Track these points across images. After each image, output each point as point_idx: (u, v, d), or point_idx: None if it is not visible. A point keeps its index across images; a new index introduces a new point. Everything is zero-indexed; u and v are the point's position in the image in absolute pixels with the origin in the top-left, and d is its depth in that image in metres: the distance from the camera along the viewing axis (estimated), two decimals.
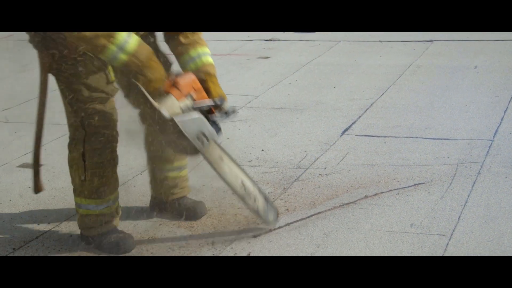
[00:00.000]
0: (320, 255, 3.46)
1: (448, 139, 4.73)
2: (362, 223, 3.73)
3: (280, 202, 4.01)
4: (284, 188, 4.19)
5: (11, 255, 3.63)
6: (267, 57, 7.13)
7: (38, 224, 3.93)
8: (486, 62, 6.39)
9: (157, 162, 3.86)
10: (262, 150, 4.78)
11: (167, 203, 3.92)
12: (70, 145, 3.60)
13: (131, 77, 3.35)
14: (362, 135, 4.91)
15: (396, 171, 4.30)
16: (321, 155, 4.63)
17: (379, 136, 4.87)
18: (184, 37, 3.54)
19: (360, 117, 5.27)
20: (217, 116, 3.47)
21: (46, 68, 3.50)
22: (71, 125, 3.57)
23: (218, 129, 3.47)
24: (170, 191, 3.91)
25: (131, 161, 4.54)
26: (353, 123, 5.15)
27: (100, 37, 3.24)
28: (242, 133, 4.47)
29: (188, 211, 3.88)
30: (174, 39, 3.56)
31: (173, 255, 3.55)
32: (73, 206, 4.09)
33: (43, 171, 4.59)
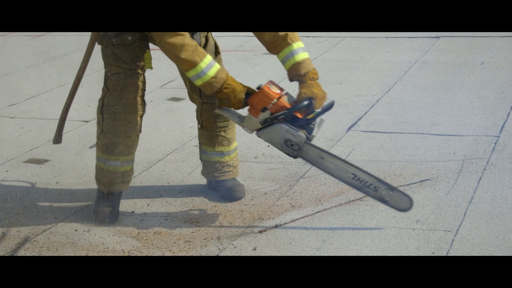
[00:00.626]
0: (326, 250, 3.47)
1: (454, 135, 4.72)
2: (367, 220, 3.73)
3: (286, 199, 4.01)
4: (290, 185, 4.19)
5: (17, 249, 3.64)
6: None
7: (45, 219, 3.94)
8: (493, 58, 6.38)
9: (204, 144, 4.10)
10: (268, 146, 4.78)
11: (212, 182, 4.16)
12: (99, 100, 3.87)
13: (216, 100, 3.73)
14: (368, 131, 4.91)
15: (402, 167, 4.30)
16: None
17: (385, 132, 4.87)
18: (269, 34, 3.65)
19: (366, 113, 5.27)
20: (306, 118, 3.57)
21: (92, 42, 3.85)
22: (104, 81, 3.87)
23: (309, 131, 3.59)
24: (212, 173, 4.11)
25: (138, 157, 4.56)
26: (359, 119, 5.15)
27: (195, 55, 3.47)
28: None
29: (226, 192, 4.07)
30: (262, 39, 3.68)
31: (178, 249, 3.56)
32: (80, 201, 4.13)
33: (49, 167, 4.62)
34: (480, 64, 6.23)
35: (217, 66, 3.53)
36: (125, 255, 3.54)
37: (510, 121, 4.90)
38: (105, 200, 3.90)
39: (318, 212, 3.84)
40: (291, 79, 3.68)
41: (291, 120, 3.55)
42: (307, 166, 4.39)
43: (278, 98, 3.55)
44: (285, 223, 3.74)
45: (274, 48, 3.67)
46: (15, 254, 3.61)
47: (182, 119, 5.33)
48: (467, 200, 3.85)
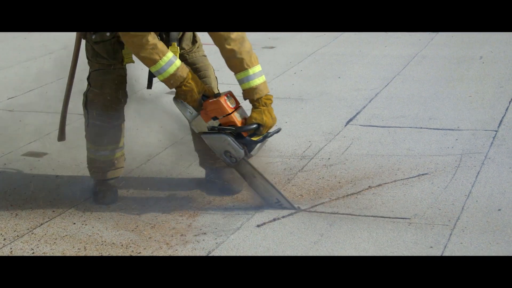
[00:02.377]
0: (324, 244, 3.47)
1: (452, 130, 4.72)
2: (365, 213, 3.73)
3: (284, 193, 4.01)
4: (288, 179, 4.19)
5: (15, 242, 3.65)
6: (272, 47, 7.13)
7: (43, 212, 3.95)
8: (492, 52, 6.38)
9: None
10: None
11: (211, 170, 4.17)
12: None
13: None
14: (367, 125, 4.91)
15: (400, 162, 4.30)
16: (325, 145, 4.63)
17: (383, 127, 4.87)
18: (228, 53, 3.72)
19: (364, 107, 5.27)
20: (250, 138, 3.74)
21: (78, 39, 4.04)
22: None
23: (250, 149, 3.76)
24: (207, 161, 4.14)
25: (136, 151, 4.56)
26: (357, 113, 5.15)
27: (154, 53, 3.62)
28: None
29: (224, 185, 4.06)
30: (222, 48, 3.74)
31: (175, 242, 3.56)
32: (78, 193, 4.13)
33: (47, 161, 4.62)
34: (479, 59, 6.23)
35: (177, 64, 3.67)
36: (122, 248, 3.54)
37: (509, 115, 4.90)
38: (101, 185, 4.07)
39: (316, 205, 3.84)
40: (245, 99, 3.81)
41: (236, 136, 3.74)
42: (305, 160, 4.39)
43: (230, 113, 3.73)
44: (283, 217, 3.74)
45: (231, 67, 3.77)
46: (14, 247, 3.61)
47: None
48: (465, 194, 3.85)
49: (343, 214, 3.74)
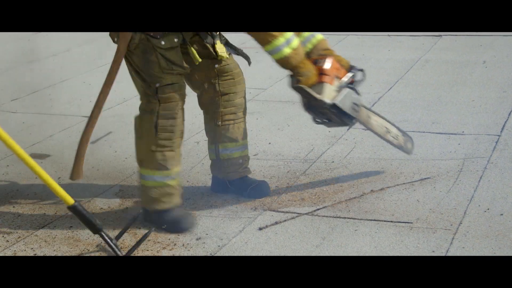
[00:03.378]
0: (326, 247, 3.47)
1: (455, 134, 4.72)
2: (367, 217, 3.73)
3: (286, 196, 4.02)
4: (291, 182, 4.19)
5: (18, 244, 3.65)
6: None
7: (45, 214, 3.95)
8: (495, 57, 6.38)
9: (222, 142, 3.94)
10: (269, 143, 4.79)
11: (230, 182, 4.00)
12: (140, 116, 3.66)
13: (290, 75, 3.72)
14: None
15: (402, 166, 4.30)
16: (328, 149, 4.63)
17: None
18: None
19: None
20: (355, 82, 3.84)
21: (126, 43, 3.54)
22: (144, 97, 3.64)
23: (358, 93, 3.83)
24: (235, 170, 3.98)
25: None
26: None
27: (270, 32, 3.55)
28: (249, 126, 4.45)
29: (253, 189, 3.98)
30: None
31: (177, 245, 3.56)
32: (81, 196, 4.12)
33: (50, 163, 4.62)
34: (482, 63, 6.23)
35: (296, 38, 3.65)
36: (124, 249, 3.54)
37: None
38: (177, 211, 3.73)
39: (318, 209, 3.84)
40: (318, 53, 3.81)
41: (349, 85, 3.79)
42: (308, 164, 4.39)
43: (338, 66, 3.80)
44: (285, 220, 3.74)
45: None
46: (16, 248, 3.62)
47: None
48: (467, 199, 3.85)
49: (345, 218, 3.75)
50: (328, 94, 3.70)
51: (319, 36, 3.85)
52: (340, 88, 3.74)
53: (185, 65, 3.62)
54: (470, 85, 5.69)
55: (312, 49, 3.81)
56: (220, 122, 3.93)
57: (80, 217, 3.34)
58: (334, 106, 3.70)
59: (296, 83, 3.69)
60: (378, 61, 6.54)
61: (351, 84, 3.81)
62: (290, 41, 3.61)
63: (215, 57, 3.79)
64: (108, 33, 3.66)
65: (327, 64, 3.72)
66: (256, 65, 6.63)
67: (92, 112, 3.69)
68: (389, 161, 4.38)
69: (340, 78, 3.77)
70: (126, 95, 3.70)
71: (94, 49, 7.44)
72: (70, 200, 3.29)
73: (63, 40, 7.82)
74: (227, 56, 3.84)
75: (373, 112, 4.06)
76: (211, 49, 3.77)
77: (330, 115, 3.78)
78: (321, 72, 3.71)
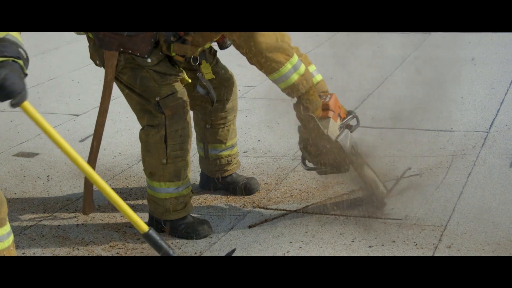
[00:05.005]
0: (315, 244, 3.47)
1: (444, 131, 4.73)
2: (356, 214, 3.73)
3: (275, 193, 4.02)
4: (280, 179, 4.19)
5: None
6: None
7: (34, 212, 3.94)
8: (483, 54, 6.39)
9: (212, 142, 3.95)
10: (259, 140, 4.79)
11: (219, 179, 4.01)
12: (146, 131, 3.54)
13: (294, 102, 3.57)
14: (359, 126, 4.90)
15: (391, 162, 4.30)
16: None
17: (375, 128, 4.87)
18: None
19: (356, 108, 5.26)
20: (352, 127, 3.74)
21: (113, 68, 3.46)
22: (144, 113, 3.53)
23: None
24: (223, 168, 3.99)
25: (136, 154, 4.55)
26: None
27: (279, 53, 3.38)
28: (238, 124, 4.46)
29: (243, 186, 4.00)
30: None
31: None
32: (69, 195, 4.11)
33: (38, 161, 4.60)
34: (471, 60, 6.24)
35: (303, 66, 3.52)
36: (114, 248, 3.53)
37: (500, 116, 4.91)
38: (193, 218, 3.68)
39: (307, 206, 3.84)
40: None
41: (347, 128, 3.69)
42: (297, 161, 4.39)
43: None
44: (274, 218, 3.74)
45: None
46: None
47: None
48: (456, 195, 3.86)
49: (334, 214, 3.75)
50: (334, 131, 3.53)
51: (318, 77, 3.74)
52: (341, 128, 3.61)
53: (178, 69, 3.52)
54: (459, 82, 5.70)
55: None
56: (209, 126, 3.93)
57: (153, 243, 3.11)
58: (337, 144, 3.52)
59: (304, 111, 3.50)
60: (367, 58, 6.55)
61: (347, 128, 3.68)
62: (297, 67, 3.46)
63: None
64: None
65: (332, 101, 3.60)
66: (246, 62, 6.63)
67: (92, 145, 3.58)
68: (378, 158, 4.38)
69: (342, 118, 3.66)
70: (115, 93, 3.69)
71: (83, 47, 7.40)
72: (145, 227, 3.15)
73: (51, 38, 7.79)
74: (213, 76, 3.73)
75: (367, 164, 3.79)
76: (198, 69, 3.68)
77: (328, 156, 3.57)
78: (326, 107, 3.55)
